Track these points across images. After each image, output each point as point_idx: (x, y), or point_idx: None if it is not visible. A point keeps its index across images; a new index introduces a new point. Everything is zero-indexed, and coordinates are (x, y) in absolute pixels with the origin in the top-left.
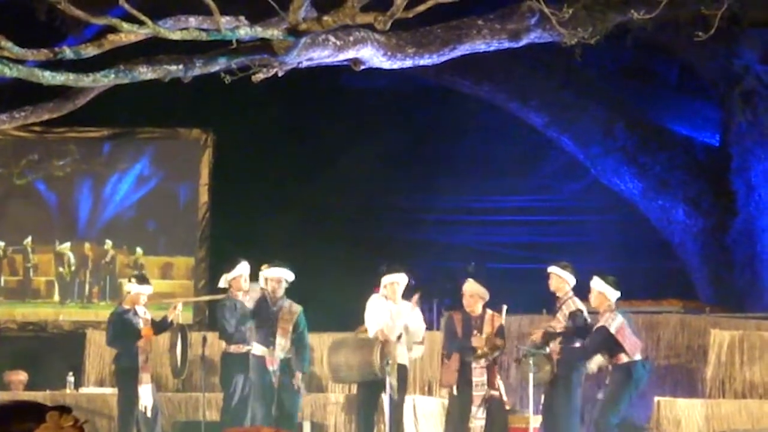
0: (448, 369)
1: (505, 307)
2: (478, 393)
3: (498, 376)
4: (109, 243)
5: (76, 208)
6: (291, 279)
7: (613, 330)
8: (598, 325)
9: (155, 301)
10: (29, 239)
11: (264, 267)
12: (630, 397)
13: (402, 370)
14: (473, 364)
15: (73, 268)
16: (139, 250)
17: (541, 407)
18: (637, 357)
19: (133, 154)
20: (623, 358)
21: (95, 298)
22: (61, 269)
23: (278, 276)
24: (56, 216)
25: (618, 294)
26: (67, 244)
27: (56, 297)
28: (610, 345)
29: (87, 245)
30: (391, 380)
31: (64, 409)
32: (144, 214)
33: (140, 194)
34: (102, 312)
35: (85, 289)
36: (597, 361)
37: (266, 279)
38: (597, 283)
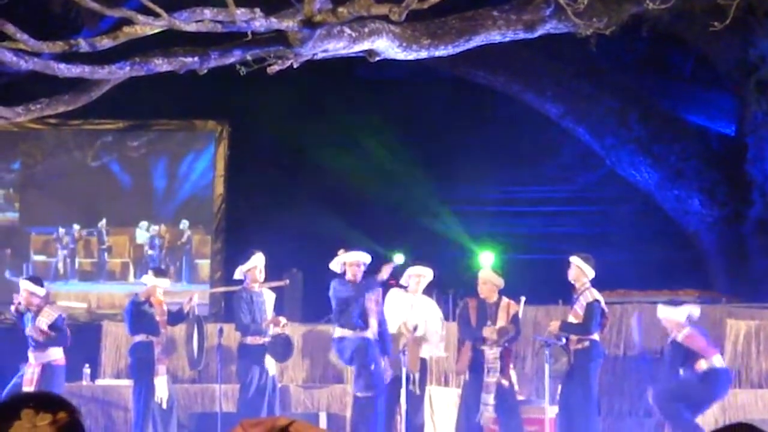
0: (462, 356)
1: (523, 299)
2: (490, 380)
3: (511, 365)
4: (185, 223)
5: (150, 188)
6: (368, 261)
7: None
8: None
9: None
10: (104, 221)
11: (341, 252)
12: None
13: (423, 363)
14: (486, 351)
15: (150, 250)
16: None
17: (557, 398)
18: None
19: (204, 136)
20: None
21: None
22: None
23: (356, 259)
24: (131, 197)
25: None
26: (143, 225)
27: (131, 278)
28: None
29: (162, 226)
30: (409, 373)
31: (49, 405)
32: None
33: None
34: (178, 294)
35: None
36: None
37: (345, 264)
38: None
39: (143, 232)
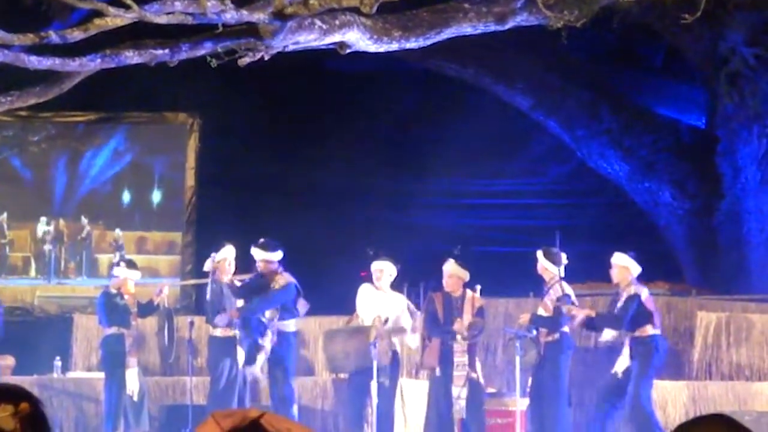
0: (429, 351)
1: (478, 287)
2: (459, 373)
3: (477, 358)
4: (85, 219)
5: (52, 183)
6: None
7: (643, 298)
8: (629, 294)
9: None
10: (5, 215)
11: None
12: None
13: (394, 356)
14: (455, 346)
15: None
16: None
17: (528, 390)
18: (658, 330)
19: (108, 129)
20: (649, 330)
21: (71, 274)
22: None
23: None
24: (32, 192)
25: (640, 269)
26: (44, 220)
27: (33, 273)
28: (641, 315)
29: (62, 221)
30: (381, 366)
31: (10, 396)
32: (119, 190)
33: (116, 169)
34: (79, 288)
35: (61, 264)
36: (610, 334)
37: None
38: (619, 258)
39: (44, 227)
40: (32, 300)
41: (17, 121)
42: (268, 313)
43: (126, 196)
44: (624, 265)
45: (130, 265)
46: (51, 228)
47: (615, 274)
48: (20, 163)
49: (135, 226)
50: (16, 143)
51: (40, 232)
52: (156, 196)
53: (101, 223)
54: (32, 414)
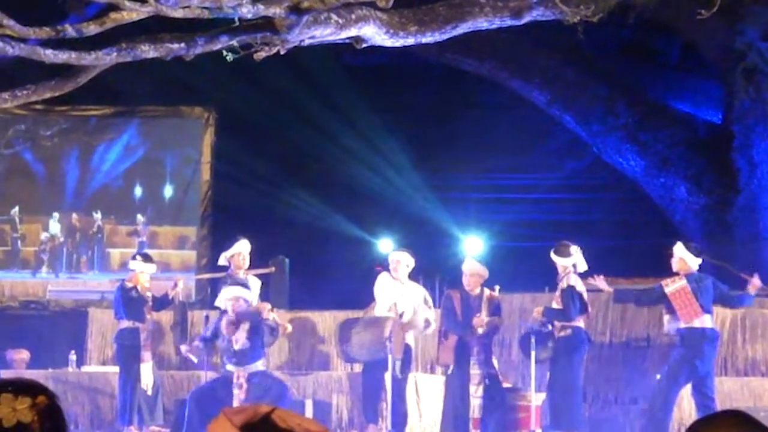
0: (445, 347)
1: (497, 288)
2: (476, 371)
3: (493, 354)
4: (96, 214)
5: (63, 178)
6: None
7: (667, 291)
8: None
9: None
10: (16, 209)
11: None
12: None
13: (407, 349)
14: (472, 343)
15: (61, 238)
16: (140, 218)
17: (543, 385)
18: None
19: (120, 124)
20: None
21: (83, 268)
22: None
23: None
24: (44, 186)
25: (699, 260)
26: (56, 215)
27: (44, 267)
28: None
29: (74, 215)
30: (395, 358)
31: (28, 390)
32: (131, 184)
33: (128, 164)
34: (90, 282)
35: (73, 258)
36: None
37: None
38: (678, 249)
39: (56, 223)
40: (44, 294)
41: (30, 114)
42: None
43: (138, 191)
44: (682, 257)
45: (147, 258)
46: (62, 223)
47: (675, 264)
48: (32, 157)
49: (147, 220)
50: (29, 137)
51: (52, 228)
52: (168, 191)
53: (113, 218)
54: (49, 407)
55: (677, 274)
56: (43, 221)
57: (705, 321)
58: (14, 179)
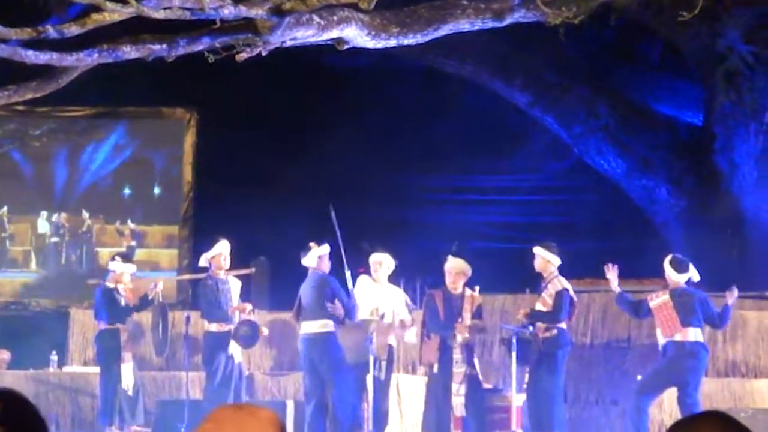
0: (428, 348)
1: (477, 288)
2: (459, 370)
3: (474, 355)
4: (86, 213)
5: (52, 177)
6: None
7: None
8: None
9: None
10: (5, 209)
11: (312, 245)
12: None
13: (390, 350)
14: (454, 344)
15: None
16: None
17: (525, 386)
18: None
19: (108, 124)
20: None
21: (73, 267)
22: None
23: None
24: (32, 186)
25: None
26: (44, 214)
27: (33, 266)
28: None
29: (63, 215)
30: (378, 359)
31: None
32: (120, 184)
33: (116, 163)
34: (79, 282)
35: (62, 258)
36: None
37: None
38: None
39: (44, 222)
40: (32, 294)
41: (18, 115)
42: None
43: (126, 190)
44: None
45: (126, 258)
46: (51, 222)
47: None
48: (21, 157)
49: (136, 220)
50: (17, 137)
51: (41, 227)
52: (157, 191)
53: (102, 217)
54: (5, 411)
55: (663, 279)
56: (31, 221)
57: (687, 335)
58: (3, 179)
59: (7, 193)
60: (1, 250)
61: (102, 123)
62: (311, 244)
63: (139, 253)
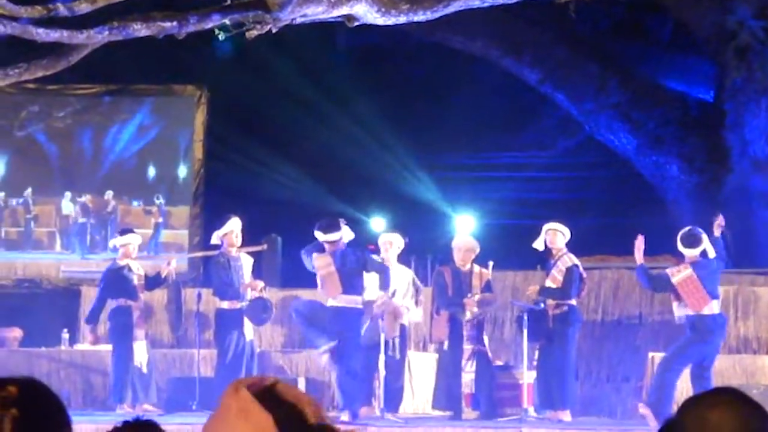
0: (438, 324)
1: (491, 264)
2: (468, 346)
3: (484, 332)
4: (110, 193)
5: (76, 158)
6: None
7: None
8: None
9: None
10: (29, 190)
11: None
12: None
13: (402, 329)
14: (464, 320)
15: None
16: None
17: (535, 363)
18: None
19: (133, 104)
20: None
21: (97, 249)
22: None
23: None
24: (57, 167)
25: (702, 248)
26: (68, 195)
27: (57, 248)
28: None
29: (87, 196)
30: (388, 339)
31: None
32: (144, 164)
33: (141, 144)
34: (104, 264)
35: (86, 239)
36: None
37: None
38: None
39: (69, 203)
40: (57, 275)
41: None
42: None
43: (151, 171)
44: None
45: (123, 232)
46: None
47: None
48: (45, 138)
49: (161, 200)
50: (41, 119)
51: (65, 209)
52: (182, 171)
53: (126, 198)
54: (20, 398)
55: (674, 255)
56: (56, 202)
57: (713, 307)
58: (27, 160)
59: (31, 175)
60: (26, 231)
61: (127, 103)
62: (341, 219)
63: (165, 234)
